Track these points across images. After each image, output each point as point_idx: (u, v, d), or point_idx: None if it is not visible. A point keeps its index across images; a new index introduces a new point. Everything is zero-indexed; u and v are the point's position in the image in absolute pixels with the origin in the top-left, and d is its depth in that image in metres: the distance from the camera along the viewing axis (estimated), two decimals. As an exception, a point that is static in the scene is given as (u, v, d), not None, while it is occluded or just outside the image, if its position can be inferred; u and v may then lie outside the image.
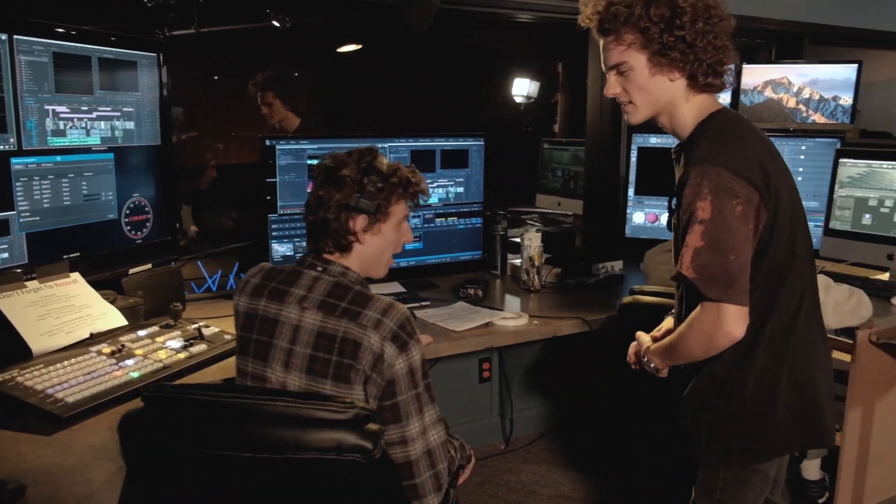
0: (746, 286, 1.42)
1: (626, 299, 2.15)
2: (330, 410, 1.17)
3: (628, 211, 3.30)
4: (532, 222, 3.98)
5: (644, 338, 1.76)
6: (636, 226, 3.29)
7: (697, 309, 1.46)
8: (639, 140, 3.25)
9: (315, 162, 2.57)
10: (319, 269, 1.52)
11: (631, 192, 3.30)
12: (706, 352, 1.49)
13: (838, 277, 2.73)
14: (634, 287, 2.21)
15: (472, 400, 3.12)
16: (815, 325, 1.62)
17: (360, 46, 5.45)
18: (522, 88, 7.02)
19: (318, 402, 1.19)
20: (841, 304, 2.29)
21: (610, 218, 3.37)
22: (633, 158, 3.27)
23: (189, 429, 1.22)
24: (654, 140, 3.24)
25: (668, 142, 3.20)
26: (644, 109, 1.54)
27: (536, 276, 2.69)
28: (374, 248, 1.56)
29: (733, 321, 1.41)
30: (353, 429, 1.16)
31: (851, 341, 2.37)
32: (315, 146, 2.61)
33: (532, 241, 2.69)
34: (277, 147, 2.51)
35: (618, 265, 2.93)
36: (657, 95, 1.50)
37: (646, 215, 3.28)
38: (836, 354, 2.39)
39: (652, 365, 1.67)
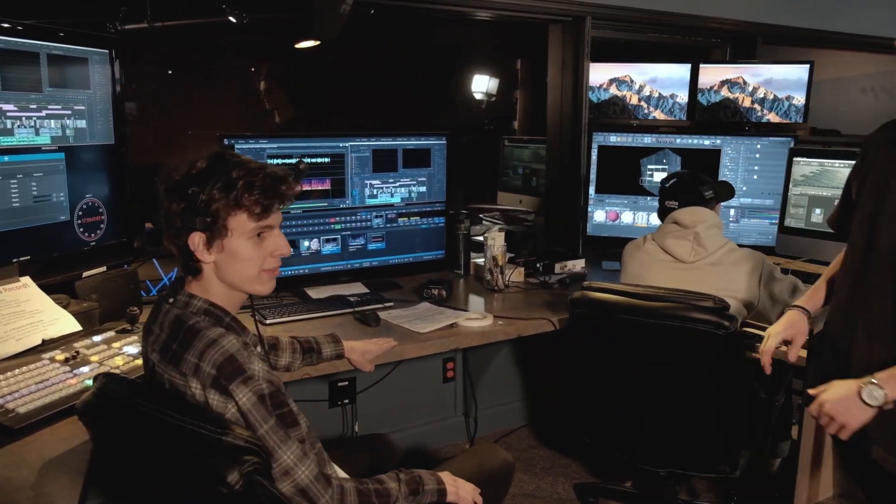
0: None
1: (576, 294, 2.15)
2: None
3: (589, 209, 3.33)
4: (493, 220, 3.98)
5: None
6: (597, 224, 3.32)
7: None
8: (599, 138, 3.28)
9: (276, 162, 2.53)
10: (170, 300, 1.39)
11: (592, 190, 3.33)
12: None
13: (792, 274, 2.80)
14: (585, 283, 2.22)
15: (436, 400, 3.11)
16: None
17: (317, 43, 5.39)
18: (482, 85, 7.04)
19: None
20: None
21: (571, 216, 3.39)
22: (594, 157, 3.30)
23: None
24: (614, 139, 3.27)
25: (628, 141, 3.24)
26: None
27: (500, 276, 2.69)
28: (229, 268, 1.37)
29: None
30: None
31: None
32: (275, 145, 2.57)
33: (495, 240, 2.69)
34: (236, 146, 2.46)
35: (579, 264, 2.95)
36: None
37: (606, 213, 3.31)
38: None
39: (876, 392, 1.50)
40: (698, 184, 2.45)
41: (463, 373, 3.13)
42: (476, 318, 2.29)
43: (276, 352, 1.84)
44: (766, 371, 1.95)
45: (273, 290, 1.45)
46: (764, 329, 2.12)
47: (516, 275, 2.81)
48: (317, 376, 2.03)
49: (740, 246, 2.36)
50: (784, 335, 1.92)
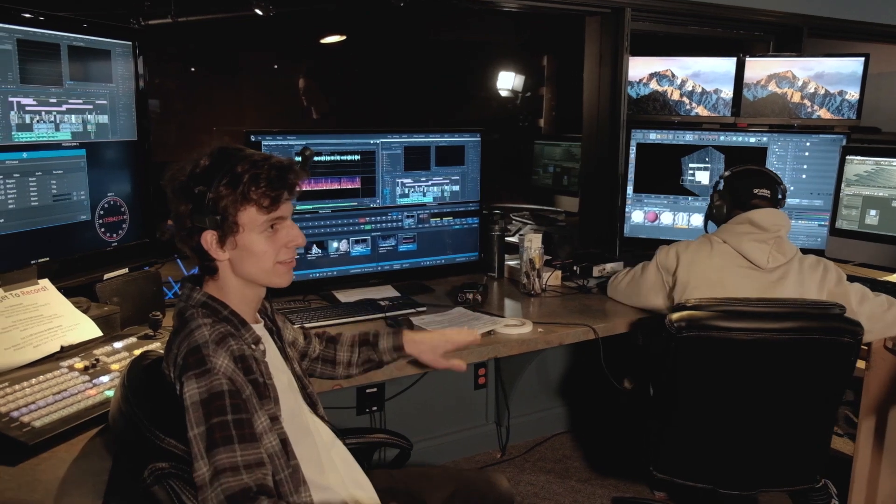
0: None
1: (679, 315, 1.89)
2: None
3: (627, 209, 3.18)
4: (523, 220, 3.85)
5: None
6: (635, 225, 3.18)
7: None
8: (638, 136, 3.13)
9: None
10: (183, 297, 1.37)
11: (630, 189, 3.18)
12: None
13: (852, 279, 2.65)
14: (686, 300, 1.99)
15: (466, 407, 2.99)
16: None
17: (343, 38, 5.29)
18: (508, 82, 6.91)
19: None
20: (879, 315, 2.19)
21: (608, 217, 3.25)
22: (632, 155, 3.15)
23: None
24: (653, 136, 3.12)
25: (669, 138, 3.09)
26: None
27: (537, 280, 2.56)
28: (245, 263, 1.34)
29: None
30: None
31: (866, 347, 2.28)
32: (303, 142, 2.46)
33: (532, 242, 2.56)
34: (263, 142, 2.36)
35: (618, 267, 2.81)
36: None
37: (645, 214, 3.17)
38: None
39: None
40: (780, 183, 2.32)
41: (495, 379, 3.01)
42: (515, 325, 2.17)
43: (336, 346, 1.77)
44: None
45: (291, 282, 1.41)
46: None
47: (553, 278, 2.68)
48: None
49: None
50: None
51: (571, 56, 3.36)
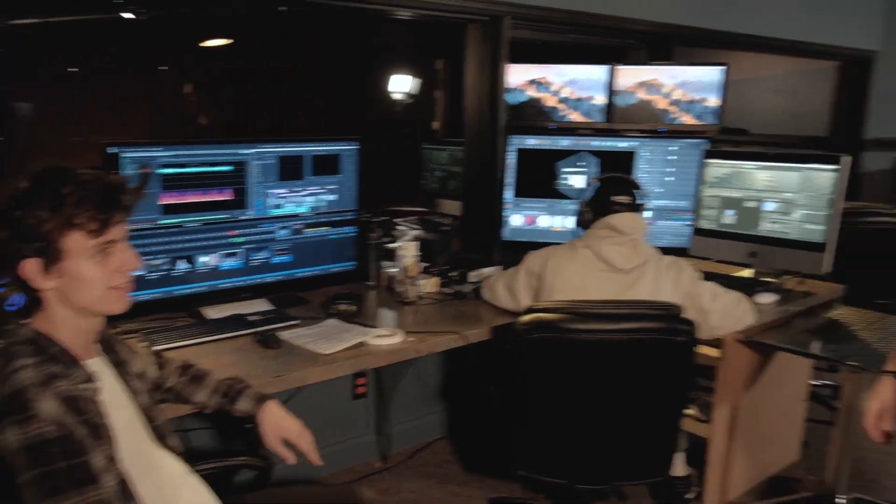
0: None
1: (527, 318, 1.97)
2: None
3: (506, 213, 3.26)
4: (411, 225, 3.87)
5: None
6: (514, 228, 3.26)
7: None
8: (517, 141, 3.21)
9: (169, 171, 2.35)
10: (6, 333, 1.26)
11: (510, 193, 3.26)
12: None
13: (709, 277, 2.81)
14: (536, 304, 2.08)
15: (346, 418, 2.97)
16: None
17: (230, 41, 5.17)
18: (402, 85, 6.92)
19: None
20: (730, 311, 2.33)
21: (489, 221, 3.32)
22: (512, 159, 3.23)
23: None
24: (531, 141, 3.20)
25: (547, 143, 3.18)
26: None
27: (412, 288, 2.59)
28: (74, 292, 1.25)
29: None
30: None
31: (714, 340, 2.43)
32: (169, 153, 2.38)
33: (407, 250, 2.59)
34: (121, 155, 2.26)
35: (494, 271, 2.87)
36: None
37: (524, 217, 3.25)
38: (704, 350, 2.45)
39: None
40: (639, 189, 2.42)
41: (375, 387, 3.01)
42: (385, 336, 2.19)
43: (196, 387, 1.69)
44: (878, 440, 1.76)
45: (128, 307, 1.32)
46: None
47: (431, 285, 2.71)
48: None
49: (659, 249, 2.34)
50: (873, 409, 1.76)
51: (462, 61, 3.40)
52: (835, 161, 2.61)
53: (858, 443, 2.61)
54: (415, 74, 6.79)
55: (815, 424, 3.18)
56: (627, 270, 2.22)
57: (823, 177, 2.64)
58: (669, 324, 1.91)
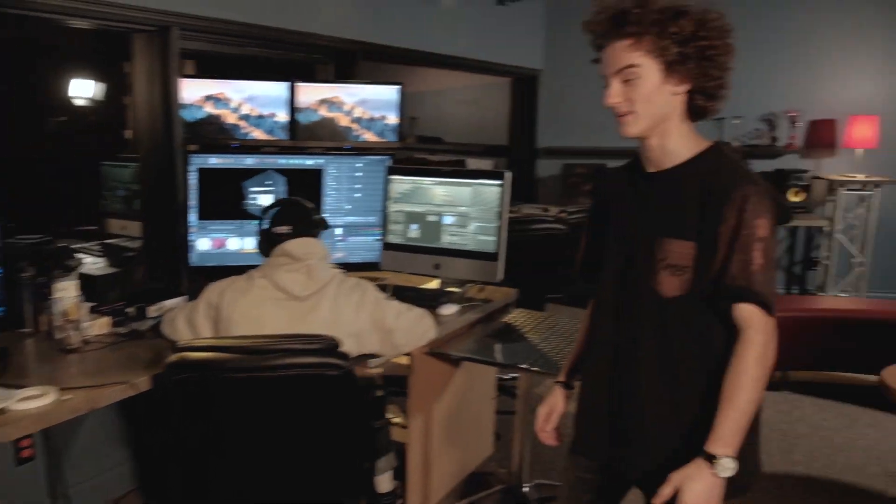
0: None
1: (174, 357, 1.86)
2: None
3: (192, 237, 3.05)
4: (92, 253, 3.45)
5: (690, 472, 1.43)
6: (203, 253, 3.06)
7: (757, 330, 1.44)
8: (198, 160, 3.01)
9: None
10: None
11: (193, 217, 3.05)
12: (766, 378, 1.46)
13: (397, 290, 2.90)
14: (182, 342, 1.96)
15: (10, 489, 2.53)
16: None
17: None
18: (84, 90, 6.20)
19: None
20: (413, 328, 2.39)
21: (173, 247, 3.08)
22: (194, 180, 3.02)
23: None
24: (214, 161, 3.03)
25: (230, 162, 3.03)
26: (644, 121, 1.49)
27: (75, 333, 2.28)
28: None
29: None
30: None
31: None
32: None
33: (65, 291, 2.27)
34: None
35: (180, 302, 2.66)
36: (658, 107, 1.47)
37: (211, 241, 3.07)
38: (399, 360, 2.52)
39: (729, 464, 1.41)
40: (309, 212, 2.36)
41: (44, 447, 2.62)
42: (33, 397, 1.88)
43: None
44: (546, 442, 1.82)
45: None
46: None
47: (100, 326, 2.42)
48: None
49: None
50: (542, 413, 1.83)
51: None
52: (499, 177, 2.84)
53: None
54: (98, 78, 6.12)
55: (505, 416, 3.47)
56: (304, 298, 2.18)
57: (491, 191, 2.86)
58: (321, 358, 1.90)
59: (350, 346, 2.18)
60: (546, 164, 6.76)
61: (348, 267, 3.11)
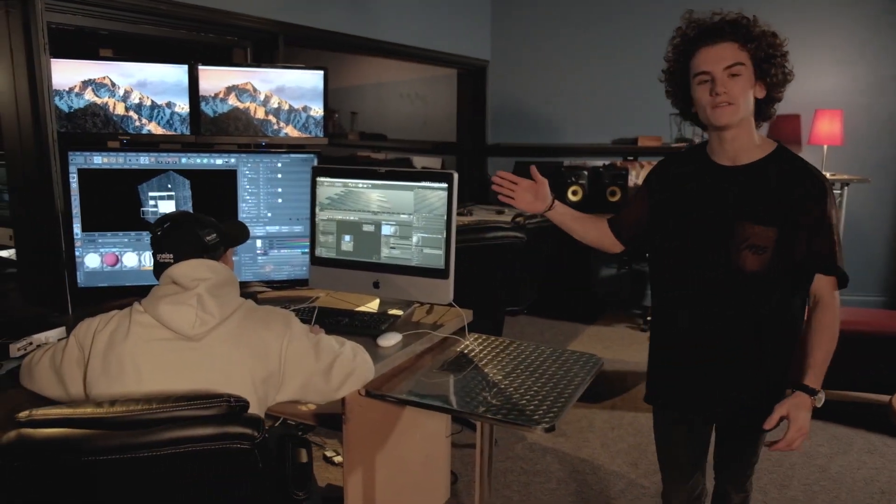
0: None
1: (7, 437, 1.34)
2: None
3: (78, 253, 2.48)
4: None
5: (797, 407, 1.77)
6: (92, 272, 2.50)
7: (833, 296, 1.80)
8: (79, 160, 2.44)
9: None
10: None
11: (78, 227, 2.48)
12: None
13: (326, 314, 2.40)
14: (21, 415, 1.41)
15: None
16: None
17: None
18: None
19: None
20: (346, 368, 1.88)
21: (53, 265, 2.50)
22: (74, 185, 2.45)
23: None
24: (99, 160, 2.47)
25: (120, 161, 2.47)
26: (740, 112, 1.78)
27: None
28: None
29: None
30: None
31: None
32: None
33: None
34: None
35: (59, 334, 2.10)
36: (748, 104, 1.80)
37: (102, 257, 2.51)
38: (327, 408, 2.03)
39: (822, 396, 1.78)
40: (196, 227, 1.82)
41: None
42: None
43: None
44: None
45: None
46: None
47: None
48: None
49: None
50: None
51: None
52: (445, 179, 2.36)
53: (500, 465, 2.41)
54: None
55: (465, 449, 3.00)
56: (198, 337, 1.66)
57: (435, 195, 2.38)
58: (222, 428, 1.40)
59: (262, 395, 1.68)
60: (497, 162, 6.32)
61: (273, 285, 2.62)
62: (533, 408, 1.93)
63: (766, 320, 1.85)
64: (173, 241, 1.77)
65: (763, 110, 1.86)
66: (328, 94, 2.78)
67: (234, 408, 1.41)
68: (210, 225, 1.84)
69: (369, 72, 6.73)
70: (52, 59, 2.40)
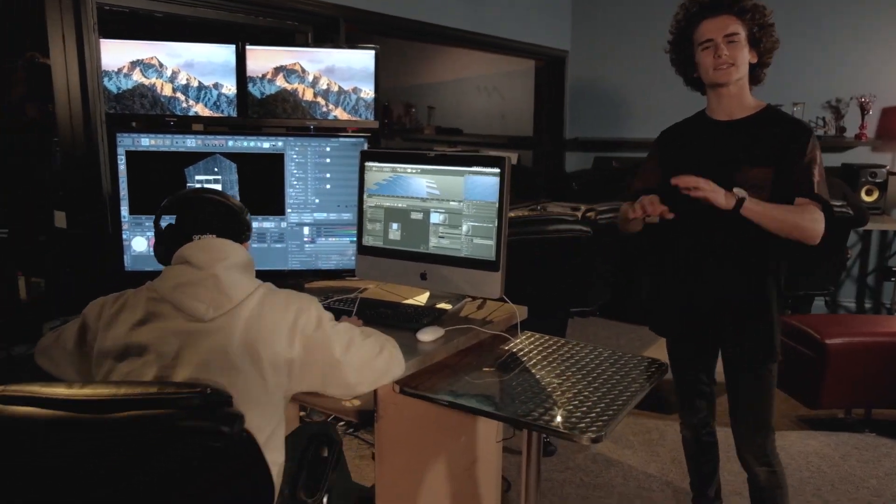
0: None
1: None
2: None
3: (125, 236, 2.45)
4: None
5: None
6: (138, 255, 2.46)
7: (813, 208, 2.06)
8: (127, 142, 2.41)
9: None
10: None
11: (125, 210, 2.45)
12: (810, 234, 2.06)
13: (368, 305, 2.26)
14: None
15: None
16: None
17: None
18: None
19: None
20: (369, 363, 1.74)
21: (99, 249, 2.48)
22: (122, 167, 2.42)
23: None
24: (146, 142, 2.42)
25: (166, 143, 2.43)
26: (738, 72, 2.12)
27: None
28: None
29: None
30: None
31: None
32: None
33: None
34: None
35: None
36: (744, 67, 2.14)
37: (149, 240, 2.46)
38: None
39: (742, 198, 2.03)
40: (222, 203, 1.73)
41: None
42: None
43: None
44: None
45: None
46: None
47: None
48: None
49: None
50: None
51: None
52: (497, 163, 2.18)
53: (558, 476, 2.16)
54: None
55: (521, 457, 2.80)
56: (210, 320, 1.54)
57: (487, 182, 2.20)
58: (193, 420, 1.26)
59: (276, 381, 1.55)
60: (576, 158, 6.05)
61: (320, 274, 2.54)
62: (581, 414, 1.72)
63: (761, 253, 2.16)
64: (211, 214, 1.68)
65: (755, 74, 2.20)
66: (379, 76, 2.64)
67: (210, 399, 1.28)
68: (236, 206, 1.75)
69: (446, 68, 6.62)
70: (101, 40, 2.37)
